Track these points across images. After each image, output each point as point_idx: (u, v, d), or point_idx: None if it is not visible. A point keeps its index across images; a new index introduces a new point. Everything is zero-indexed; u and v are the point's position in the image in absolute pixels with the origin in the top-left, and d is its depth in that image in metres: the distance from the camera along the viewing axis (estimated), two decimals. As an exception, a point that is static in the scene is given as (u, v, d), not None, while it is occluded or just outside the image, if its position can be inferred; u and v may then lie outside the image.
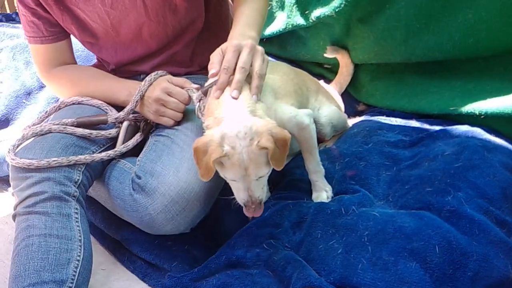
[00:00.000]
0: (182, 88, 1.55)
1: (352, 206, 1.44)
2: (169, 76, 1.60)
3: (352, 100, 2.14)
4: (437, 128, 1.74)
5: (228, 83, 1.32)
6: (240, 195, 1.28)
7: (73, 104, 1.68)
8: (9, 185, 1.48)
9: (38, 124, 1.62)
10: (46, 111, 1.70)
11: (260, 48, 1.38)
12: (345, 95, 2.12)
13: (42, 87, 2.35)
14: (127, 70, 1.78)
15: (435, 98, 1.82)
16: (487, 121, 1.65)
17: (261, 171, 1.25)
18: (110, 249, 1.69)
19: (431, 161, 1.54)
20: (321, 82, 1.97)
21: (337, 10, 1.93)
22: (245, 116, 1.26)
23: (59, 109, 1.70)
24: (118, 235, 1.66)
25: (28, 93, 2.36)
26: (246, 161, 1.22)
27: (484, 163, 1.45)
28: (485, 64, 1.73)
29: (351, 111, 2.06)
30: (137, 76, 1.78)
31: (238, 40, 1.36)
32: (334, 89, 2.05)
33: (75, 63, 1.80)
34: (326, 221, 1.41)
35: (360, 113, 2.09)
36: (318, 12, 2.03)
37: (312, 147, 1.53)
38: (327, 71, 2.24)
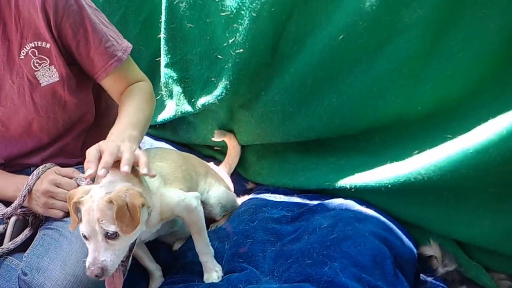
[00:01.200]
0: (71, 178, 1.57)
1: (239, 284, 1.49)
2: (57, 168, 1.61)
3: (241, 179, 2.24)
4: (316, 202, 1.87)
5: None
6: (88, 257, 1.25)
7: (-43, 201, 1.66)
8: None
9: None
10: None
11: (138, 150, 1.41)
12: (234, 174, 2.22)
13: None
14: (17, 163, 1.77)
15: (313, 174, 1.97)
16: (357, 193, 1.81)
17: (107, 227, 1.23)
18: None
19: (310, 234, 1.65)
20: (211, 164, 2.06)
21: (219, 98, 2.07)
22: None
23: None
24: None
25: None
26: (95, 211, 1.23)
27: (356, 233, 1.58)
28: (353, 141, 1.91)
29: (240, 190, 2.15)
30: (27, 169, 1.77)
31: (115, 142, 1.38)
32: (223, 170, 2.15)
33: None
34: (214, 303, 1.46)
35: (249, 191, 2.18)
36: (203, 100, 2.16)
37: (200, 229, 1.59)
38: (217, 153, 2.36)
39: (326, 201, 1.84)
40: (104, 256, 1.24)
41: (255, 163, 2.24)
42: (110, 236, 1.25)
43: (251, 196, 2.07)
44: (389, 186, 1.67)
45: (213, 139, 2.25)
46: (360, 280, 1.44)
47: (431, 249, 1.65)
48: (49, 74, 1.61)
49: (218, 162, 2.27)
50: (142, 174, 1.34)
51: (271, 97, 1.98)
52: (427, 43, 1.65)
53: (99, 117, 1.81)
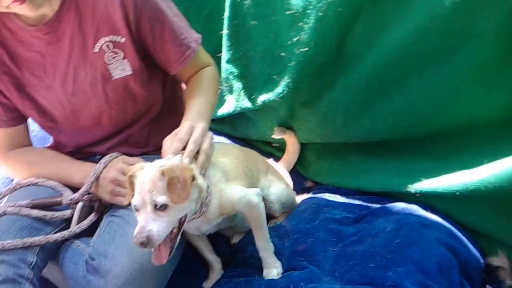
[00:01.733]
0: None
1: (300, 282, 1.49)
2: (124, 157, 1.66)
3: (300, 177, 2.23)
4: (378, 205, 1.84)
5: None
6: (136, 227, 1.29)
7: (28, 185, 1.71)
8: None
9: (-8, 205, 1.64)
10: (1, 193, 1.72)
11: (210, 133, 1.49)
12: (293, 172, 2.21)
13: (-3, 167, 2.34)
14: (83, 151, 1.83)
15: (376, 177, 1.94)
16: (422, 198, 1.78)
17: (157, 197, 1.28)
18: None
19: (374, 237, 1.63)
20: (270, 160, 2.07)
21: (280, 95, 2.07)
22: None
23: (14, 190, 1.72)
24: (71, 318, 1.64)
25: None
26: (147, 183, 1.29)
27: (421, 239, 1.56)
28: (419, 145, 1.87)
29: (299, 188, 2.13)
30: (93, 156, 1.82)
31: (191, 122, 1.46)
32: (282, 167, 2.14)
33: (31, 145, 1.84)
34: (276, 299, 1.46)
35: (308, 190, 2.17)
36: (263, 97, 2.16)
37: (261, 225, 1.60)
38: (275, 150, 2.34)
39: (389, 204, 1.82)
40: (152, 226, 1.28)
41: (314, 162, 2.22)
42: (159, 208, 1.29)
43: (310, 195, 2.06)
44: (457, 193, 1.64)
45: (272, 136, 2.25)
46: (426, 287, 1.42)
47: (499, 260, 1.61)
48: (122, 68, 1.64)
49: (276, 158, 2.27)
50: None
51: (334, 96, 1.96)
52: (502, 49, 1.59)
53: (163, 109, 1.84)
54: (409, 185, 1.80)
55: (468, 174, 1.64)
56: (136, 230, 1.28)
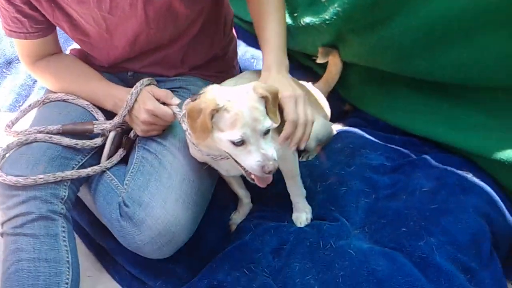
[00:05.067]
0: (165, 103, 1.55)
1: (330, 239, 1.50)
2: (152, 88, 1.58)
3: (338, 99, 2.10)
4: (418, 154, 1.75)
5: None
6: (253, 158, 1.23)
7: (58, 100, 1.68)
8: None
9: (21, 117, 1.67)
10: (30, 105, 1.72)
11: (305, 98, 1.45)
12: (332, 93, 2.07)
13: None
14: (116, 66, 1.76)
15: (419, 118, 1.82)
16: (465, 153, 1.69)
17: (266, 122, 1.24)
18: (96, 254, 1.75)
19: (409, 196, 1.58)
20: (309, 85, 1.92)
21: (327, 22, 1.84)
22: None
23: (43, 103, 1.70)
24: (104, 242, 1.71)
25: (9, 63, 2.32)
26: (248, 110, 1.21)
27: (458, 208, 1.50)
28: (474, 94, 1.70)
29: (336, 111, 2.03)
30: (125, 72, 1.77)
31: (289, 90, 1.40)
32: (321, 88, 2.00)
33: (61, 51, 1.77)
34: (304, 254, 1.48)
35: (345, 113, 2.08)
36: (307, 19, 1.94)
37: (294, 174, 1.58)
38: (316, 65, 2.15)
39: (429, 155, 1.72)
40: (270, 150, 1.24)
41: (357, 85, 2.06)
42: (266, 132, 1.24)
43: (347, 127, 1.97)
44: (506, 163, 1.53)
45: (317, 61, 2.04)
46: (455, 260, 1.40)
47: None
48: None
49: (316, 76, 2.11)
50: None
51: (389, 33, 1.72)
52: None
53: (202, 29, 1.71)
54: (453, 137, 1.70)
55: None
56: (258, 159, 1.22)
